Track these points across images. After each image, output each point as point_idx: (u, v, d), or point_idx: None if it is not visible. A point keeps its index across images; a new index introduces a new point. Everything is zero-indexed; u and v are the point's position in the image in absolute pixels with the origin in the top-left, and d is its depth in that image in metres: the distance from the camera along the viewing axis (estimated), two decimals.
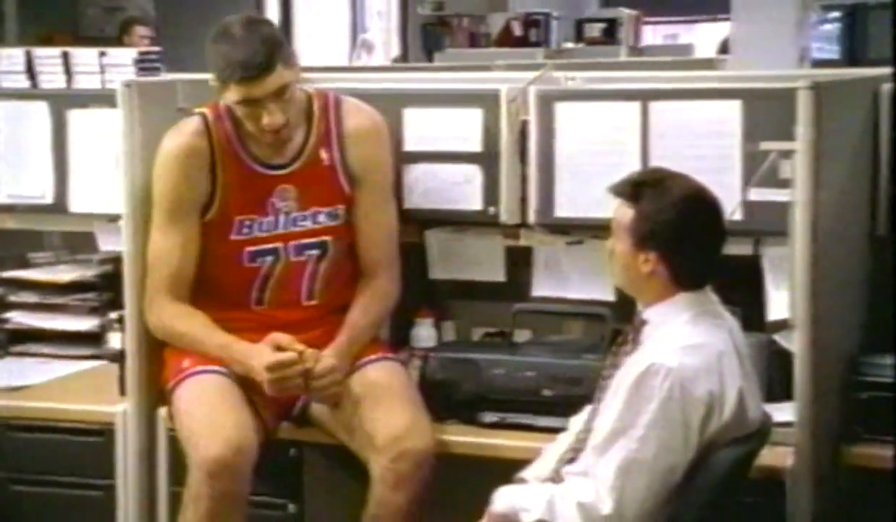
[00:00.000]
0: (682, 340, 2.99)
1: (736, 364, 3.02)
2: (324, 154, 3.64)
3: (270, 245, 3.63)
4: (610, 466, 2.91)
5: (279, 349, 3.45)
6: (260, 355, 3.46)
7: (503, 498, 3.07)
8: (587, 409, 3.20)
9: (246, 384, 3.53)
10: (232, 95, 3.47)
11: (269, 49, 3.44)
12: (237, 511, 3.43)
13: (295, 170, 3.63)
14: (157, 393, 3.76)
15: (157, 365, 3.76)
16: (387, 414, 3.45)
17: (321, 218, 3.65)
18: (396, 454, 3.39)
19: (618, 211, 3.11)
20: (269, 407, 3.56)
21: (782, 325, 3.37)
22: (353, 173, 3.65)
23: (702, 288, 3.10)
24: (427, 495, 3.42)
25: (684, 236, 3.06)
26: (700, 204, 3.09)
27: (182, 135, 3.62)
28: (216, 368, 3.55)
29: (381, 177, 3.71)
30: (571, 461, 3.06)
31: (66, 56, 4.43)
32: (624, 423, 2.92)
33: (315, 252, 3.65)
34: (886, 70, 3.81)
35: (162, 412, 3.73)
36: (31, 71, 4.42)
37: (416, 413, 3.49)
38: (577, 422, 3.22)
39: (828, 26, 10.66)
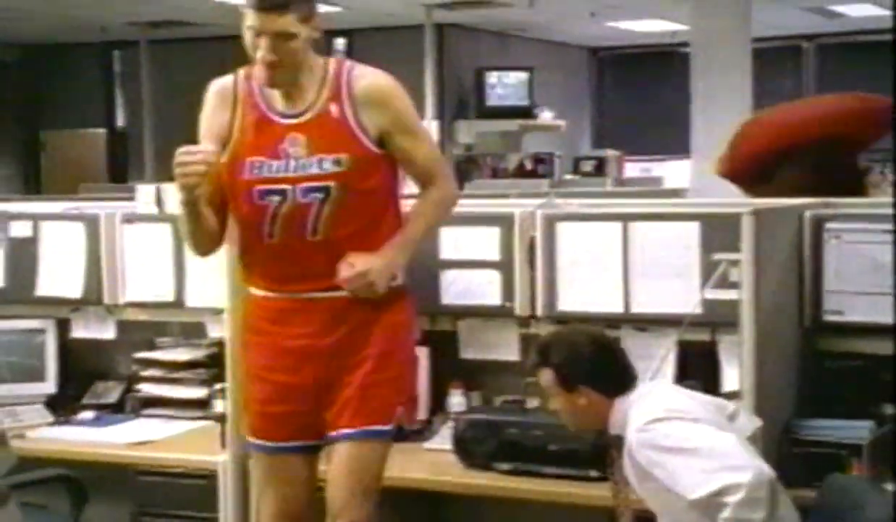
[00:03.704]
0: (642, 414, 2.89)
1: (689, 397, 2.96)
2: (333, 107, 3.21)
3: (279, 186, 3.19)
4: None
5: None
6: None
7: None
8: None
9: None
10: (246, 20, 3.14)
11: None
12: None
13: (305, 120, 3.21)
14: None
15: None
16: (334, 491, 3.21)
17: (326, 165, 3.19)
18: None
19: (541, 377, 3.04)
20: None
21: (733, 395, 3.32)
22: (373, 131, 3.22)
23: (630, 389, 3.01)
24: None
25: (595, 364, 3.01)
26: (593, 338, 3.07)
27: (215, 83, 3.35)
28: (274, 444, 3.31)
29: (401, 122, 3.27)
30: None
31: None
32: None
33: (319, 195, 3.18)
34: (809, 200, 3.80)
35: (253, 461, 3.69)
36: (159, 200, 4.43)
37: (353, 499, 3.21)
38: None
39: None
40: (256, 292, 3.33)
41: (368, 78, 3.27)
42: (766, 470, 2.75)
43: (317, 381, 3.26)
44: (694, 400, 2.99)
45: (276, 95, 3.24)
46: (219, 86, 3.33)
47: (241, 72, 3.31)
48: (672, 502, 2.88)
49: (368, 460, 3.25)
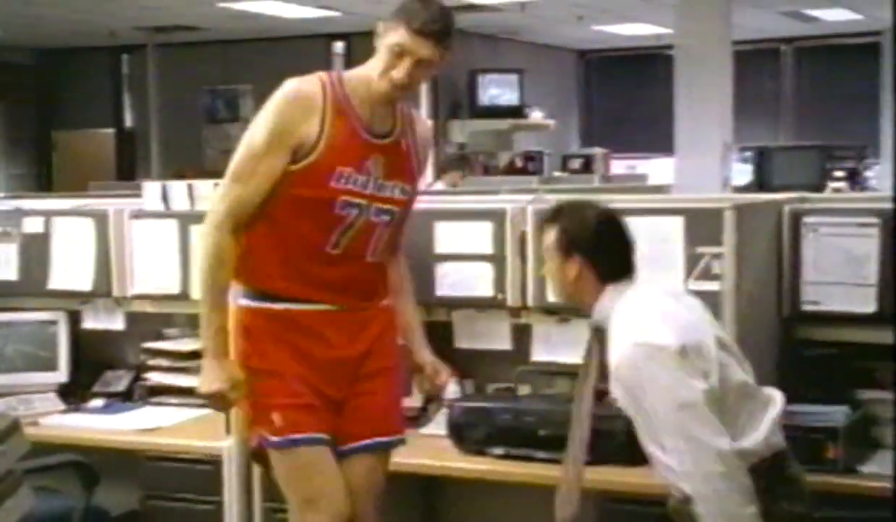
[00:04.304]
0: (636, 330, 2.82)
1: (682, 305, 2.92)
2: (404, 141, 3.16)
3: (360, 200, 3.06)
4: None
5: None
6: (219, 372, 3.03)
7: None
8: None
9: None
10: (397, 37, 2.97)
11: (450, 30, 3.01)
12: None
13: (387, 144, 3.12)
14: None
15: None
16: (355, 500, 3.12)
17: (397, 191, 3.13)
18: None
19: (545, 236, 2.99)
20: None
21: None
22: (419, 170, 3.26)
23: (624, 280, 2.95)
24: None
25: (598, 239, 2.96)
26: (607, 216, 3.01)
27: (301, 82, 3.08)
28: (313, 436, 3.09)
29: (423, 174, 3.35)
30: None
31: (190, 187, 4.43)
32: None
33: (387, 217, 3.12)
34: (788, 195, 3.80)
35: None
36: (165, 197, 4.42)
37: (374, 511, 3.17)
38: None
39: (744, 161, 10.69)
40: (274, 305, 3.10)
41: (424, 122, 3.33)
42: (720, 445, 2.73)
43: (341, 390, 3.15)
44: (683, 312, 2.92)
45: (366, 110, 3.10)
46: (304, 91, 3.06)
47: (326, 77, 3.10)
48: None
49: (384, 470, 3.22)
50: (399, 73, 2.99)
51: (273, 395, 3.11)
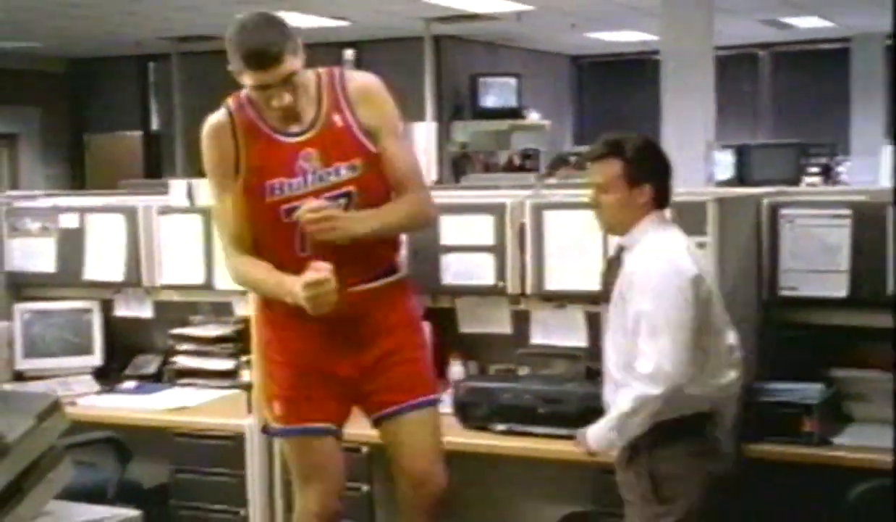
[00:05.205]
0: (663, 249, 2.84)
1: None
2: (336, 118, 3.03)
3: (303, 202, 2.97)
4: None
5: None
6: (298, 279, 2.91)
7: (594, 439, 2.92)
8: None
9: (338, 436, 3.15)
10: (248, 80, 2.94)
11: (279, 42, 2.90)
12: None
13: (313, 135, 3.01)
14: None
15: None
16: (412, 462, 3.13)
17: (343, 172, 3.00)
18: (418, 496, 3.14)
19: (605, 167, 2.87)
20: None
21: None
22: (368, 128, 3.05)
23: (665, 206, 2.96)
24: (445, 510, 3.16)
25: (664, 166, 2.94)
26: (657, 146, 3.00)
27: (209, 121, 3.07)
28: (310, 427, 3.11)
29: (389, 123, 3.09)
30: None
31: None
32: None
33: (342, 201, 3.00)
34: (766, 189, 3.80)
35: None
36: (190, 194, 4.43)
37: (436, 466, 3.14)
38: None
39: (725, 158, 10.67)
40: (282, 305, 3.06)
41: (359, 79, 3.12)
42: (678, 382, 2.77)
43: (352, 368, 3.11)
44: (700, 255, 2.96)
45: (276, 117, 3.02)
46: (214, 124, 3.06)
47: (231, 103, 3.08)
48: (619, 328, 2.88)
49: (435, 426, 3.18)
50: (275, 101, 2.94)
51: (278, 385, 3.15)
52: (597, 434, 2.92)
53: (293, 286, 2.92)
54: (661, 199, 2.93)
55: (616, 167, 2.87)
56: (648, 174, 2.89)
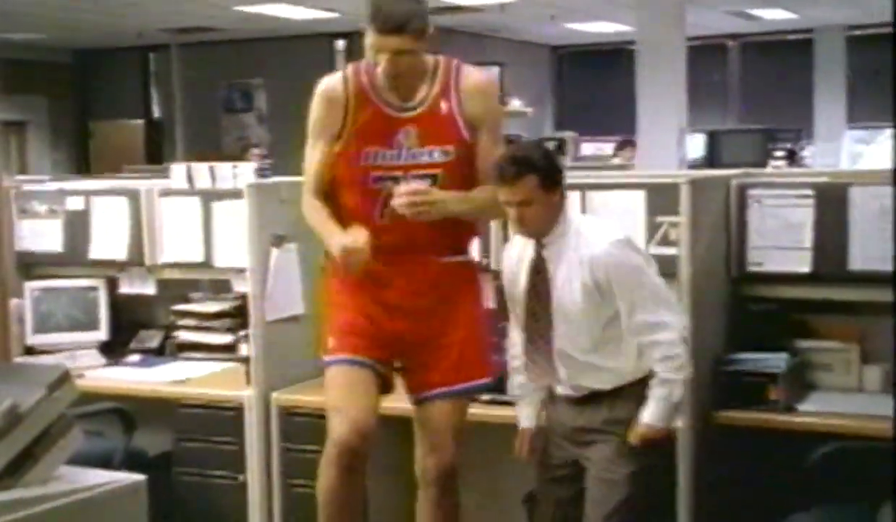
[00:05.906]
0: (601, 231, 2.94)
1: None
2: (443, 104, 3.04)
3: (393, 173, 3.01)
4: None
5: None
6: (342, 237, 2.96)
7: (660, 420, 2.89)
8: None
9: (378, 373, 3.07)
10: (370, 38, 2.96)
11: (408, 19, 2.92)
12: (359, 476, 3.03)
13: (418, 114, 3.03)
14: (270, 382, 3.72)
15: (272, 365, 3.72)
16: (433, 432, 3.10)
17: (436, 155, 3.02)
18: (431, 479, 3.10)
19: (523, 185, 2.86)
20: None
21: None
22: (470, 119, 3.06)
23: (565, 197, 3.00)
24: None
25: (556, 161, 3.00)
26: (541, 144, 3.14)
27: (325, 82, 3.09)
28: (356, 358, 3.04)
29: (492, 120, 3.12)
30: None
31: (211, 168, 4.42)
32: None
33: (428, 181, 3.01)
34: (735, 171, 3.80)
35: (273, 395, 3.70)
36: (190, 177, 4.42)
37: (450, 443, 3.09)
38: None
39: (697, 141, 10.69)
40: None
41: (474, 75, 3.13)
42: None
43: (408, 332, 3.08)
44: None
45: (389, 89, 3.03)
46: (329, 87, 3.08)
47: (350, 69, 3.10)
48: (592, 316, 2.91)
49: (463, 412, 3.13)
50: (387, 65, 2.96)
51: (336, 324, 3.11)
52: (658, 415, 2.88)
53: (334, 240, 2.99)
54: (563, 189, 2.97)
55: (533, 181, 2.87)
56: (556, 175, 2.93)
